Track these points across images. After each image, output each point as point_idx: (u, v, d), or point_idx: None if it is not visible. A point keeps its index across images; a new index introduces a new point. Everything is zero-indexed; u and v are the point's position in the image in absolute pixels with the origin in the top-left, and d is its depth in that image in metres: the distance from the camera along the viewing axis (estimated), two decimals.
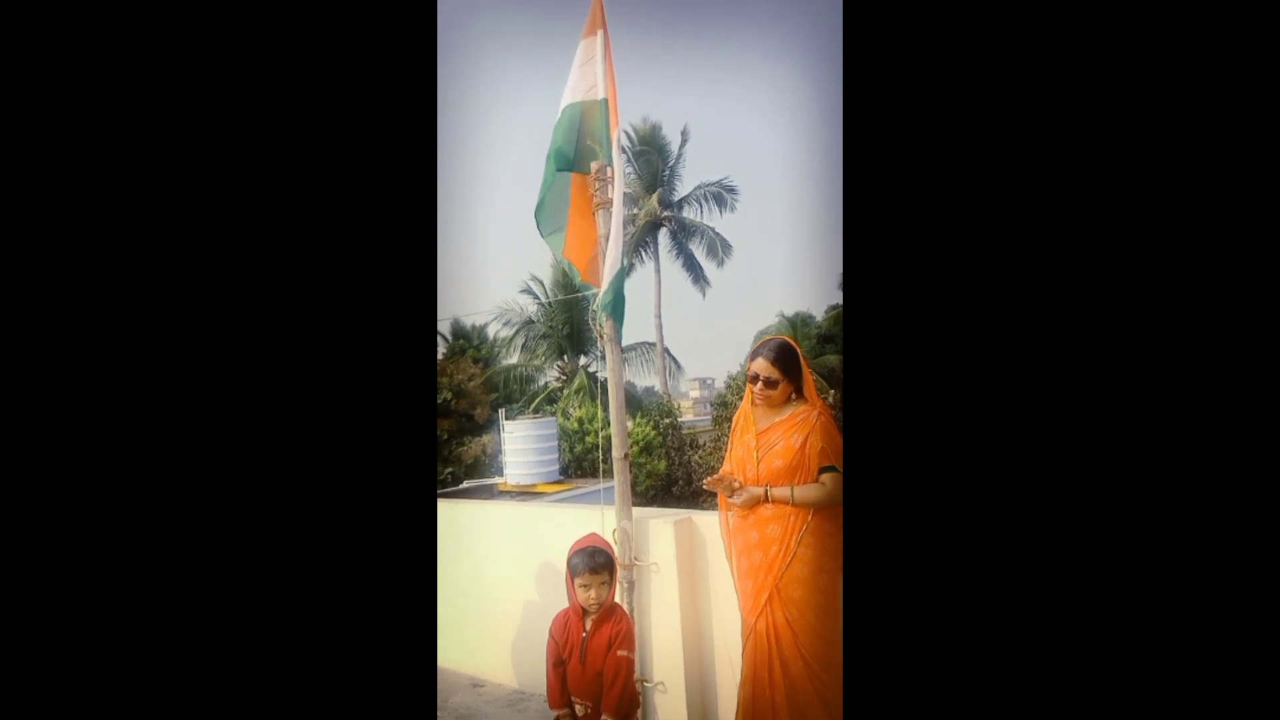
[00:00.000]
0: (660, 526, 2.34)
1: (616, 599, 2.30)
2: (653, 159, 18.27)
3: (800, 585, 1.86)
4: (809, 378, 2.04)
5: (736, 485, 1.95)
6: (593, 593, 1.75)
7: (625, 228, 2.50)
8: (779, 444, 1.95)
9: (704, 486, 2.08)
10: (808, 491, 1.88)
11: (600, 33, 2.58)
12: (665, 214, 18.29)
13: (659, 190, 18.09)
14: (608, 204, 2.46)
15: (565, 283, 16.01)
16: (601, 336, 2.44)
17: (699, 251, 18.74)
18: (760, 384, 1.98)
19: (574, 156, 2.58)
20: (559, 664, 1.78)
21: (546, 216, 2.76)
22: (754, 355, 2.04)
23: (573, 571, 1.78)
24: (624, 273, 2.45)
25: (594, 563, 1.76)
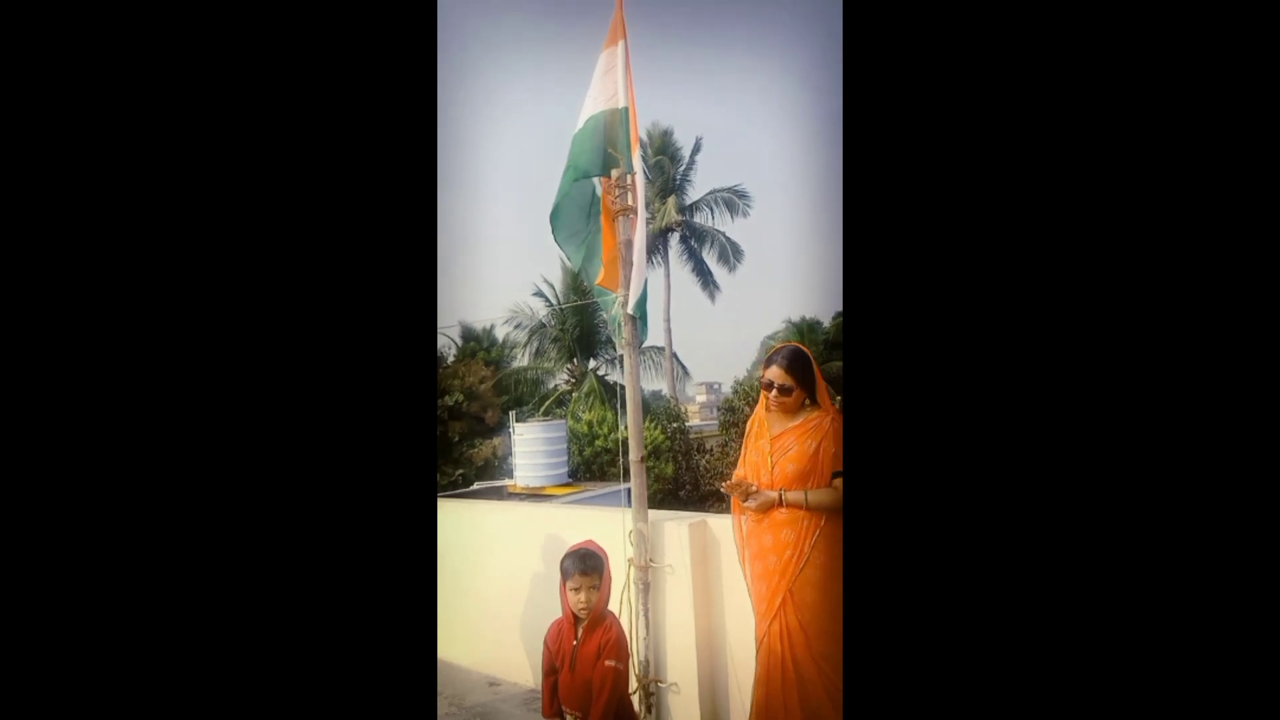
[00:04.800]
0: (676, 529, 2.37)
1: (631, 601, 2.33)
2: (665, 165, 18.35)
3: (813, 589, 1.89)
4: (821, 384, 2.07)
5: (752, 489, 1.98)
6: (582, 595, 1.75)
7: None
8: (793, 449, 1.98)
9: (721, 489, 2.11)
10: (821, 495, 1.91)
11: (621, 43, 2.63)
12: (677, 219, 18.34)
13: (673, 196, 18.14)
14: (628, 210, 2.50)
15: (576, 287, 16.09)
16: (621, 341, 2.48)
17: (710, 257, 18.79)
18: (775, 391, 2.02)
19: (600, 163, 2.63)
20: (551, 672, 1.79)
21: (563, 222, 2.81)
22: (768, 363, 2.07)
23: (564, 574, 1.79)
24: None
25: (584, 565, 1.77)
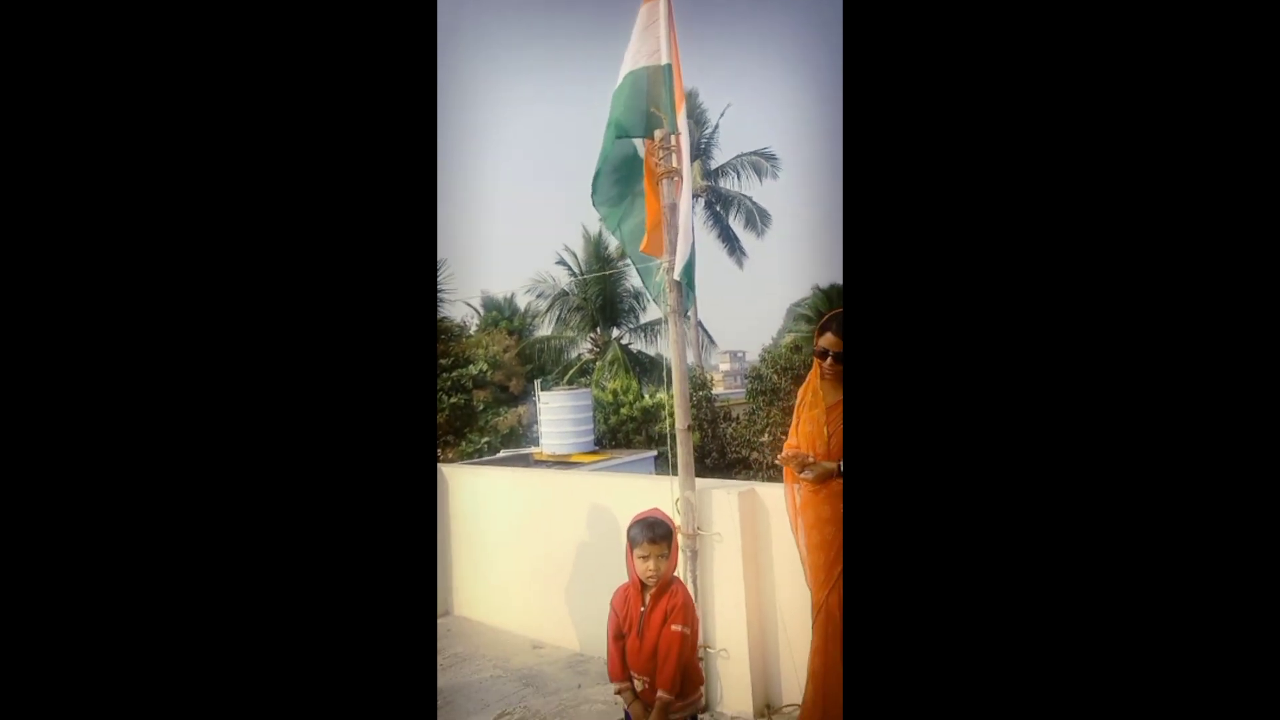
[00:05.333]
0: (724, 497, 2.35)
1: (679, 569, 2.33)
2: (691, 128, 17.97)
3: None
4: None
5: (809, 461, 1.94)
6: (650, 564, 1.74)
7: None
8: (836, 426, 1.92)
9: (776, 462, 2.06)
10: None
11: None
12: (703, 184, 18.03)
13: (699, 160, 17.81)
14: (673, 173, 2.43)
15: (599, 255, 15.97)
16: (666, 308, 2.43)
17: (736, 223, 18.48)
18: (829, 359, 1.95)
19: (643, 123, 2.55)
20: (619, 637, 1.79)
21: (603, 186, 2.73)
22: (822, 329, 2.01)
23: (632, 543, 1.79)
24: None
25: (653, 534, 1.76)
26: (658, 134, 2.45)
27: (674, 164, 2.42)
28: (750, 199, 18.31)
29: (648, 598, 1.78)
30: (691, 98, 18.34)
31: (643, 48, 2.55)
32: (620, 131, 2.56)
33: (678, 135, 2.41)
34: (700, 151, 18.08)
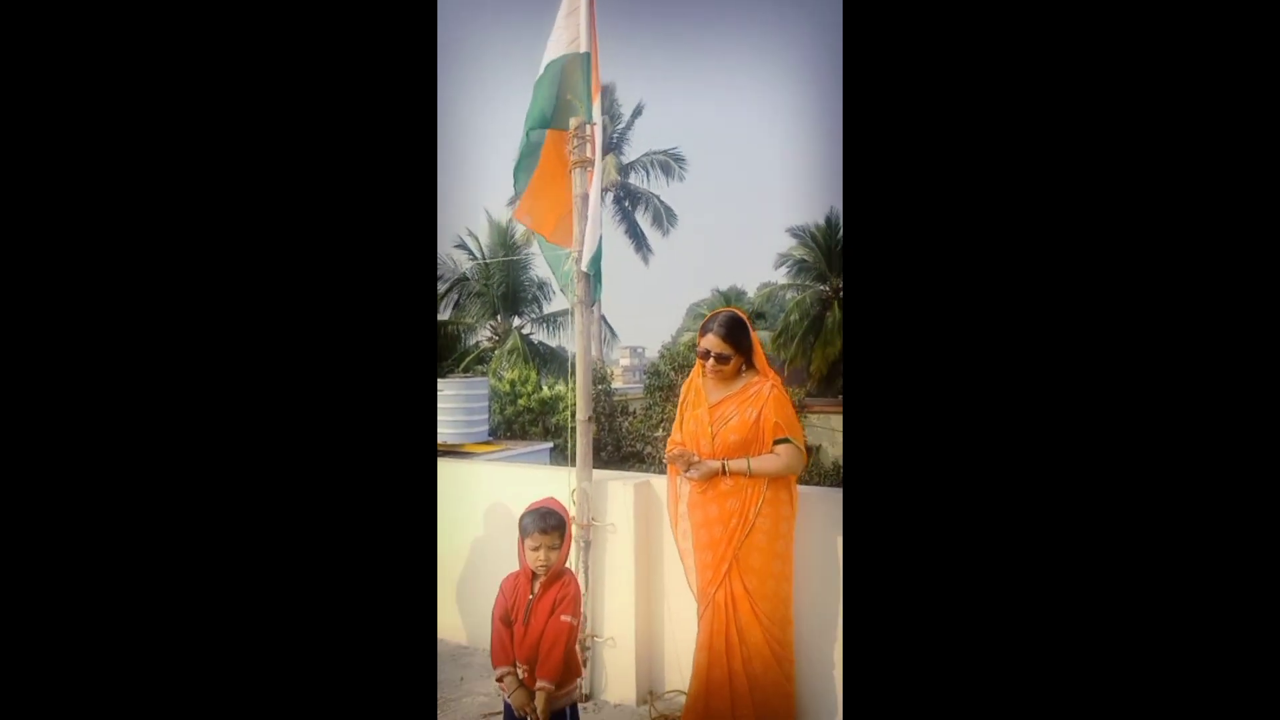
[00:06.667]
0: (620, 489, 2.38)
1: (571, 559, 2.33)
2: (605, 123, 17.93)
3: (758, 553, 1.94)
4: (759, 349, 2.07)
5: (694, 460, 1.98)
6: (541, 554, 1.73)
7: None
8: (734, 418, 1.98)
9: (665, 459, 2.10)
10: (764, 463, 1.94)
11: None
12: (615, 178, 18.05)
13: (612, 154, 17.78)
14: (585, 163, 2.41)
15: (504, 241, 15.59)
16: (573, 299, 2.42)
17: (643, 219, 18.66)
18: (711, 359, 2.00)
19: (552, 113, 2.51)
20: (506, 621, 1.77)
21: (521, 177, 2.68)
22: (704, 330, 2.05)
23: (523, 532, 1.76)
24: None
25: (544, 524, 1.74)
26: (573, 122, 2.43)
27: (587, 154, 2.41)
28: (658, 197, 18.56)
29: (537, 586, 1.76)
30: (606, 92, 18.31)
31: (564, 35, 2.52)
32: (534, 124, 2.52)
33: (593, 125, 2.41)
34: (613, 145, 18.09)
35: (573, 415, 2.38)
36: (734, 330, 2.00)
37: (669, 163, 18.36)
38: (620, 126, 18.30)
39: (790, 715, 1.96)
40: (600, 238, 2.41)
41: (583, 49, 2.47)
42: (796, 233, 17.32)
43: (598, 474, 2.46)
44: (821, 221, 17.07)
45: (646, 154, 18.50)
